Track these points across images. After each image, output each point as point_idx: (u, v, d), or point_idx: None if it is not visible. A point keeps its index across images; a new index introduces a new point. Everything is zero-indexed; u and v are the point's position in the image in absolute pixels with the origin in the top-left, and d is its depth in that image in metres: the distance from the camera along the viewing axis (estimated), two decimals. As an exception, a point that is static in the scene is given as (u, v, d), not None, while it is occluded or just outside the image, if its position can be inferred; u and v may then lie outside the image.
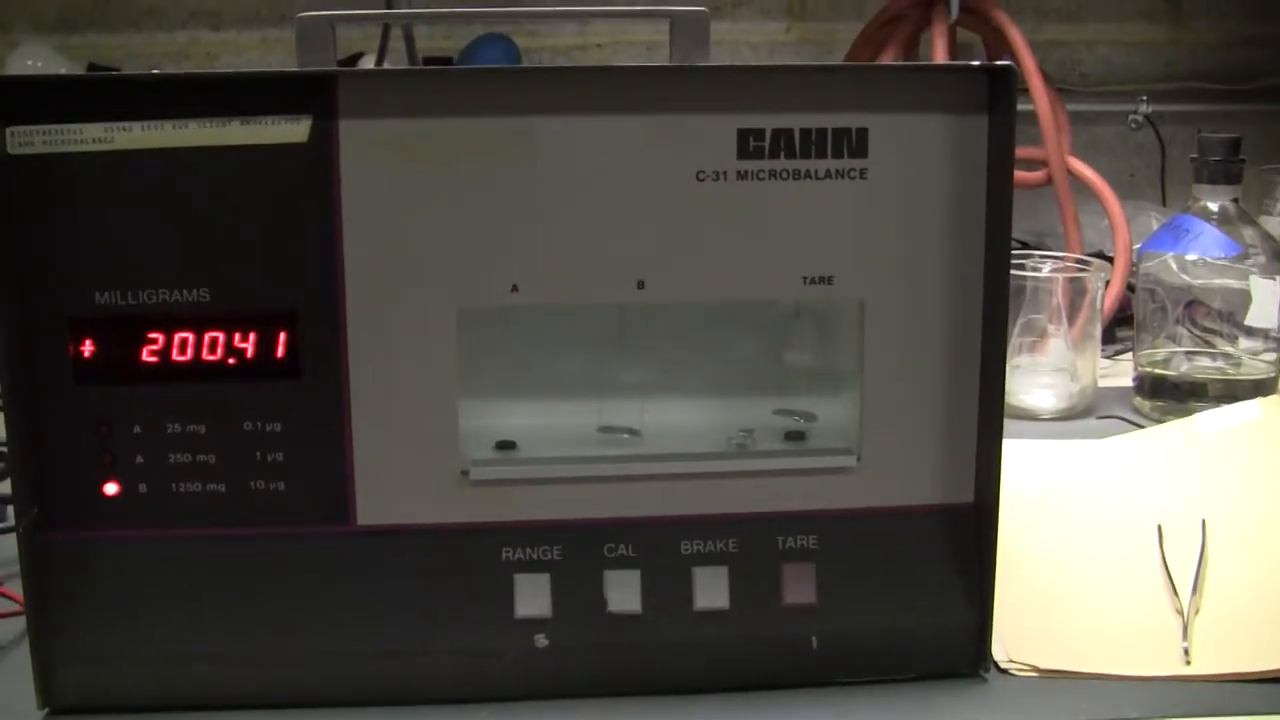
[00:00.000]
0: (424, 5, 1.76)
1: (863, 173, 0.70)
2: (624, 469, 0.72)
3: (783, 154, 0.69)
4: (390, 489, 0.71)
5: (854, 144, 0.70)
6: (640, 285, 0.70)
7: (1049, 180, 1.53)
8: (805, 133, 0.69)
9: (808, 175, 0.70)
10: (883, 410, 0.72)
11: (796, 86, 0.70)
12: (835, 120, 0.69)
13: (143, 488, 0.70)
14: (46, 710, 0.70)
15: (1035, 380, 1.25)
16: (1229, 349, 1.23)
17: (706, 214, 0.69)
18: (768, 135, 0.69)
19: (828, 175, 0.70)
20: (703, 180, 0.69)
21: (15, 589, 0.77)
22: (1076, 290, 1.24)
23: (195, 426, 0.70)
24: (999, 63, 0.69)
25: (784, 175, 0.70)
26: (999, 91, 0.69)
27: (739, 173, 0.69)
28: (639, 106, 0.68)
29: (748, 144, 0.69)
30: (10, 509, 0.84)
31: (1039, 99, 1.51)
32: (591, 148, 0.69)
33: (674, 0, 0.72)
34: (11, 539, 0.70)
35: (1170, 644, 0.76)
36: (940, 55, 1.59)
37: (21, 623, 0.73)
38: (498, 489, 0.71)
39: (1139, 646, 0.76)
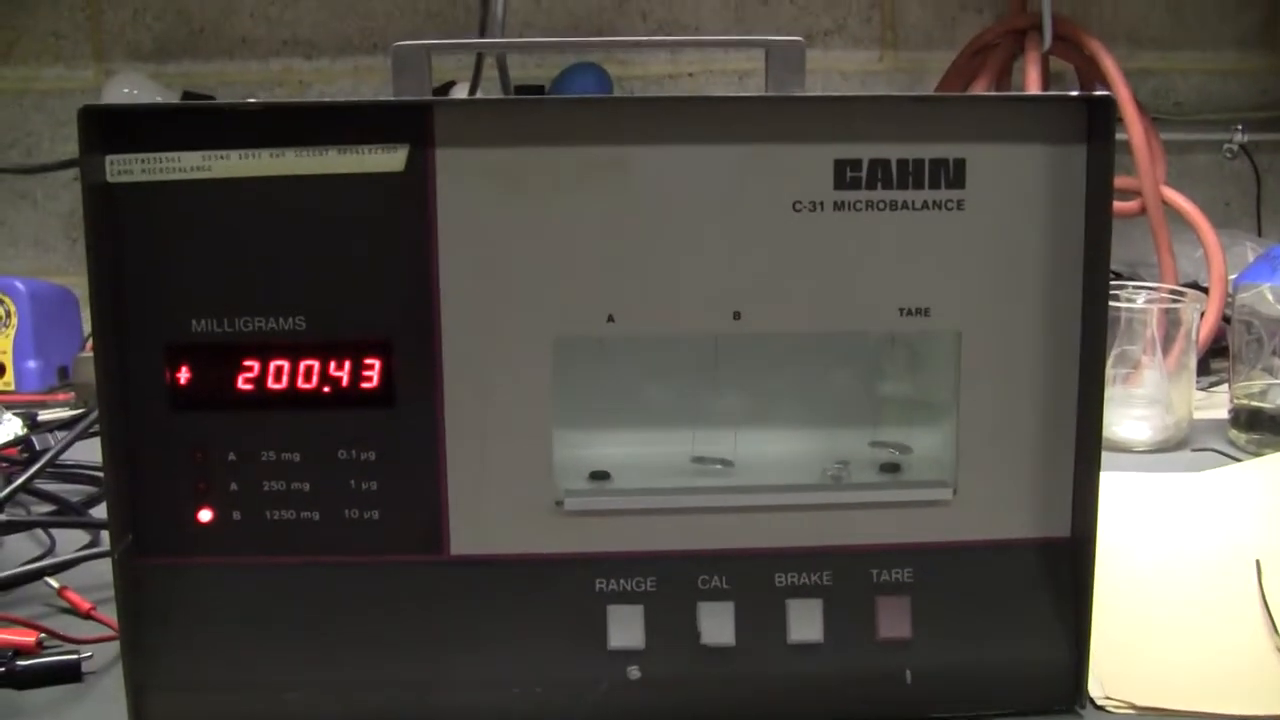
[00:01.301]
0: (515, 34, 1.77)
1: (960, 204, 0.69)
2: (719, 500, 0.72)
3: (880, 184, 0.69)
4: (484, 519, 0.71)
5: (951, 174, 0.69)
6: (736, 316, 0.69)
7: (1143, 210, 1.51)
8: (902, 163, 0.69)
9: (905, 206, 0.69)
10: (979, 443, 0.72)
11: (894, 116, 0.69)
12: (933, 150, 0.69)
13: (237, 515, 0.70)
14: (140, 735, 0.70)
15: (1129, 412, 1.23)
16: (1328, 382, 1.21)
17: (803, 244, 0.69)
18: (865, 166, 0.69)
19: (925, 206, 0.69)
20: (799, 210, 0.69)
21: (109, 614, 0.77)
22: (1171, 321, 1.22)
23: (290, 454, 0.70)
24: (1099, 92, 0.69)
25: (881, 206, 0.69)
26: (1098, 121, 0.68)
27: (836, 203, 0.69)
28: (736, 136, 0.68)
29: (844, 174, 0.69)
30: (105, 534, 0.85)
31: (1133, 128, 1.50)
32: (687, 177, 0.68)
33: (769, 29, 0.71)
34: (106, 564, 0.70)
35: (1272, 682, 0.75)
36: (1033, 84, 1.58)
37: (115, 648, 0.73)
38: (592, 520, 0.71)
39: (1239, 685, 0.75)
